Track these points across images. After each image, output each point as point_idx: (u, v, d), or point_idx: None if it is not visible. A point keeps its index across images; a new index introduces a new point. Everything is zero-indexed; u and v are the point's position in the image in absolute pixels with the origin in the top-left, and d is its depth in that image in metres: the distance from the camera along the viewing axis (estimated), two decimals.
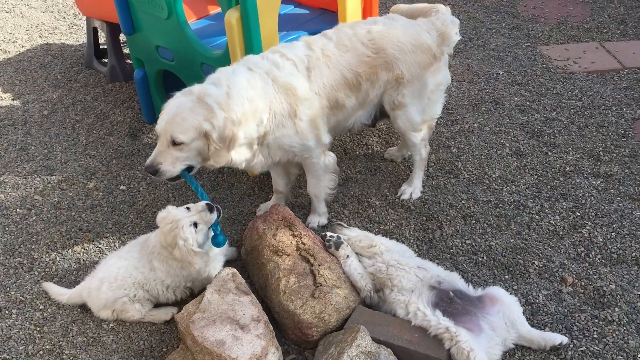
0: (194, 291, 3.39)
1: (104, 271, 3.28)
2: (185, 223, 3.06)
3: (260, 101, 3.22)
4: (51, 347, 3.20)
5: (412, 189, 4.08)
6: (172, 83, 4.81)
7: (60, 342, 3.22)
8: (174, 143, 3.09)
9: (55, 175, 4.49)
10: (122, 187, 4.36)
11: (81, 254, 3.78)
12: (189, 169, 3.24)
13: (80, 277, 3.58)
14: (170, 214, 3.12)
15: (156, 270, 3.23)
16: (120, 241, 3.83)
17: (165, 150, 3.13)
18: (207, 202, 3.15)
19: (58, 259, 3.75)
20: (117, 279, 3.22)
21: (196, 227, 3.10)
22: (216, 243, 3.21)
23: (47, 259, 3.75)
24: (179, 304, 3.33)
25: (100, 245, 3.83)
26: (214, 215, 3.14)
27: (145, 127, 5.00)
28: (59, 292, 3.44)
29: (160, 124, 3.12)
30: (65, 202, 4.21)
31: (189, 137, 3.07)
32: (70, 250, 3.82)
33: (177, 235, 3.06)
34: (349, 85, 3.56)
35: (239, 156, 3.27)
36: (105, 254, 3.73)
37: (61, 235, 3.93)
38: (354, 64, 3.54)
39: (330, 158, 3.70)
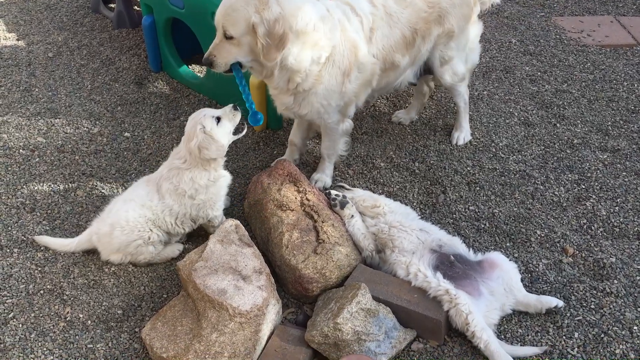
0: (195, 225, 3.42)
1: (113, 216, 3.25)
2: (208, 114, 3.17)
3: (324, 38, 3.15)
4: (52, 287, 3.22)
5: (464, 134, 4.19)
6: (180, 32, 4.75)
7: (62, 283, 3.24)
8: (226, 37, 3.05)
9: (59, 118, 4.45)
10: (126, 134, 4.32)
11: (83, 197, 3.77)
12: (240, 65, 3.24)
13: (82, 220, 3.58)
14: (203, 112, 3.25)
15: (164, 196, 3.24)
16: (123, 187, 3.81)
17: (219, 43, 3.11)
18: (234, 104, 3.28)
19: (60, 201, 3.75)
20: (129, 222, 3.20)
21: (219, 121, 3.20)
22: (255, 120, 3.33)
23: (50, 201, 3.74)
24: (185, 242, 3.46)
25: (103, 191, 3.82)
26: (239, 114, 3.25)
27: (151, 76, 4.93)
28: (62, 244, 3.40)
29: (218, 15, 3.06)
30: (69, 146, 4.19)
31: (239, 31, 3.01)
32: (72, 194, 3.80)
33: (199, 123, 3.14)
34: (406, 43, 3.51)
35: (298, 62, 3.16)
36: (108, 199, 3.71)
37: (64, 178, 3.92)
38: (413, 20, 3.48)
39: (348, 124, 3.67)
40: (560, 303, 3.01)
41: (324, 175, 3.82)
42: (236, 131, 3.33)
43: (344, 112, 3.55)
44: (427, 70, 3.89)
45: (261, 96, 4.00)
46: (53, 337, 2.98)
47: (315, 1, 3.24)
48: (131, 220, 3.20)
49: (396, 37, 3.43)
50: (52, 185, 3.86)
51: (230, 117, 3.26)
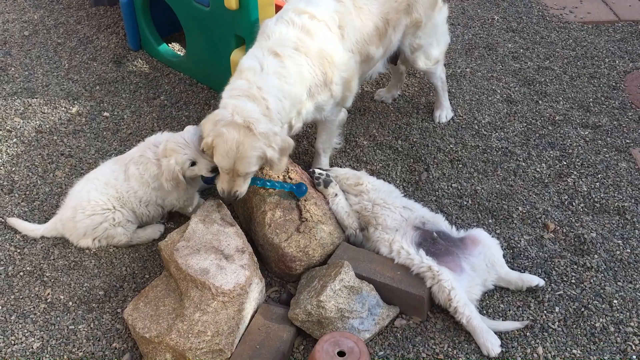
0: (164, 210, 3.40)
1: (75, 198, 3.21)
2: (186, 154, 3.07)
3: (297, 88, 3.11)
4: (32, 269, 3.18)
5: (445, 112, 4.22)
6: (159, 9, 4.66)
7: (41, 265, 3.20)
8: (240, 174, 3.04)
9: (37, 98, 4.37)
10: (105, 113, 4.25)
11: (63, 178, 3.71)
12: None
13: (61, 201, 3.51)
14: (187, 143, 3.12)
15: (130, 178, 3.18)
16: None
17: (235, 179, 3.04)
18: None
19: (39, 182, 3.69)
20: (90, 202, 3.15)
21: (192, 165, 3.10)
22: (300, 192, 3.21)
23: (28, 182, 3.68)
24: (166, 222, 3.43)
25: (82, 171, 3.76)
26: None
27: (130, 54, 4.85)
28: (28, 228, 3.34)
29: (227, 163, 2.96)
30: (47, 126, 4.11)
31: (254, 168, 3.04)
32: (51, 175, 3.75)
33: (174, 152, 3.06)
34: (379, 34, 3.47)
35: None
36: None
37: (42, 159, 3.85)
38: (385, 10, 3.44)
39: (344, 114, 3.63)
40: (542, 282, 3.04)
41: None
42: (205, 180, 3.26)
43: (342, 104, 3.51)
44: (394, 58, 3.87)
45: None
46: (34, 319, 2.95)
47: (268, 64, 3.07)
48: (92, 200, 3.15)
49: (369, 29, 3.38)
50: (30, 166, 3.79)
51: (205, 171, 3.13)
